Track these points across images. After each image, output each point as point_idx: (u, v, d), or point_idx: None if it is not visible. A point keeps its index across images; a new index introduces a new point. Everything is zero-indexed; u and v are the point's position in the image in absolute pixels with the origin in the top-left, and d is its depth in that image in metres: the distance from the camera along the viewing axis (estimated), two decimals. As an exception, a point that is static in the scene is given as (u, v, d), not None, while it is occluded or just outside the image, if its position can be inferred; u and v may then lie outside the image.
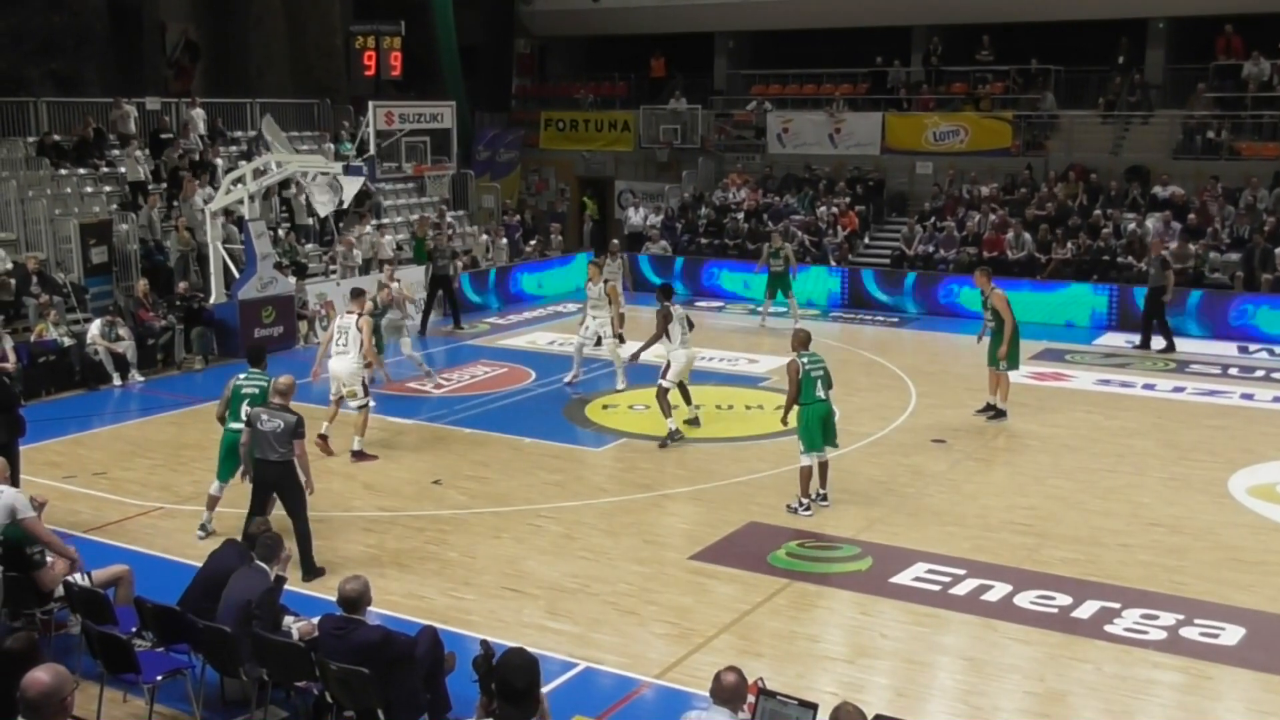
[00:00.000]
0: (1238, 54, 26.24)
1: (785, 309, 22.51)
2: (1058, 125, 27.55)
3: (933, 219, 25.96)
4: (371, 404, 14.08)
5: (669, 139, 30.75)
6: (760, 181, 29.06)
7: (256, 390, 11.03)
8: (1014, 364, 15.54)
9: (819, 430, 12.00)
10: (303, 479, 10.26)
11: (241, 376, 11.33)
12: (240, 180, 19.90)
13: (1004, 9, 28.19)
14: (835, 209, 26.90)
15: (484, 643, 6.68)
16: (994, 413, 15.67)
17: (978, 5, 28.35)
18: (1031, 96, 27.81)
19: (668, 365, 14.54)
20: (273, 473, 10.16)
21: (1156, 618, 9.57)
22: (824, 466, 12.26)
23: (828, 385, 12.12)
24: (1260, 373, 18.63)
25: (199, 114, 24.37)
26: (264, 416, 10.13)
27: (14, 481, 9.76)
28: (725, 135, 31.07)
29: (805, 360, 12.03)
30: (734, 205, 28.14)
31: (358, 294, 14.47)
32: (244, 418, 10.65)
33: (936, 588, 10.18)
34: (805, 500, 12.06)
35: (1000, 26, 28.83)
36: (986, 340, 15.70)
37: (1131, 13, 27.26)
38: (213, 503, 11.39)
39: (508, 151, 32.28)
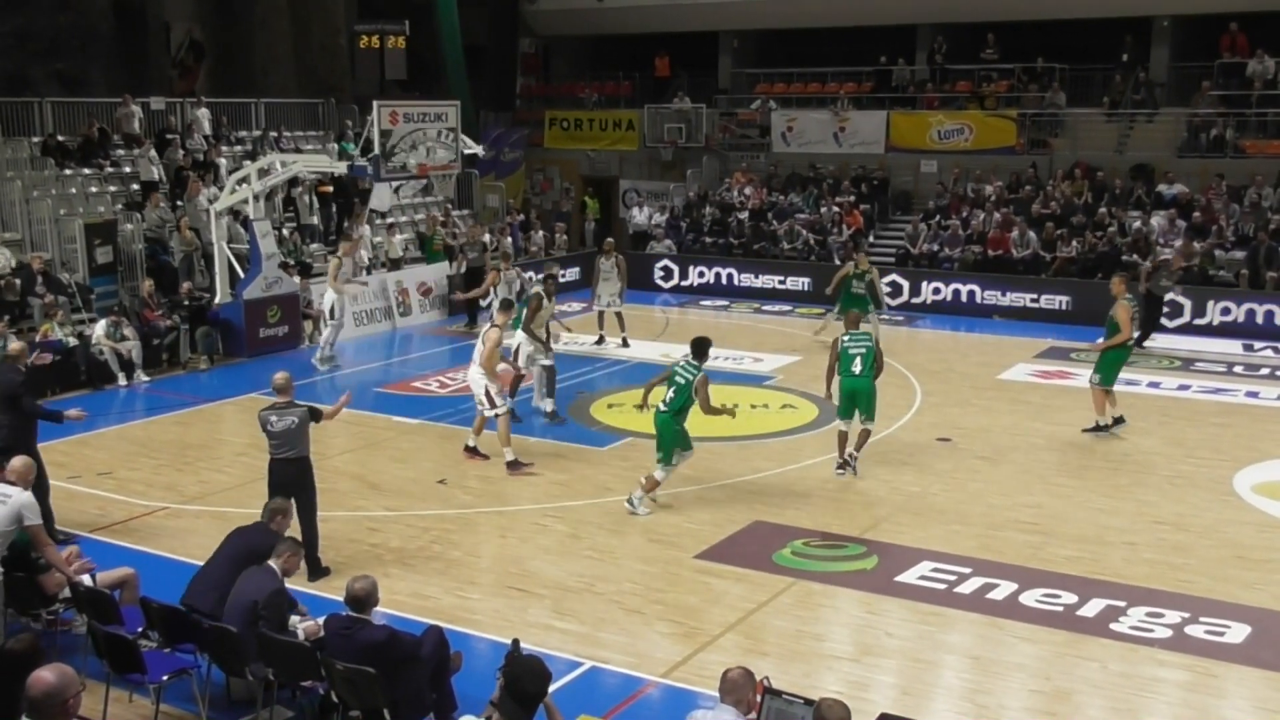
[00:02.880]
0: (1243, 52, 26.21)
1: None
2: (1062, 123, 27.51)
3: (937, 217, 25.95)
4: (499, 411, 13.43)
5: (673, 138, 30.74)
6: (765, 180, 29.05)
7: (684, 381, 11.71)
8: (1106, 380, 14.74)
9: (845, 401, 13.07)
10: (330, 409, 10.71)
11: (680, 363, 11.98)
12: (245, 180, 19.92)
13: (1009, 7, 28.15)
14: (839, 208, 26.88)
15: (515, 642, 7.16)
16: (1097, 428, 14.83)
17: (982, 4, 28.31)
18: (1037, 95, 27.78)
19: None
20: (290, 471, 10.12)
21: (1162, 615, 9.57)
22: (863, 435, 13.25)
23: (868, 364, 12.98)
24: (1265, 370, 18.61)
25: (204, 114, 24.41)
26: (272, 418, 10.11)
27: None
28: (730, 134, 31.06)
29: (847, 338, 13.13)
30: (739, 204, 28.13)
31: (505, 305, 14.47)
32: (665, 401, 11.72)
33: (942, 586, 10.18)
34: (840, 459, 13.23)
35: (1005, 25, 28.80)
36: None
37: (1136, 11, 27.22)
38: (651, 485, 11.98)
39: (512, 151, 32.28)
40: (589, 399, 16.61)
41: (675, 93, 31.54)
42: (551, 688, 6.50)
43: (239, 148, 24.73)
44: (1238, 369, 18.79)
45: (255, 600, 7.70)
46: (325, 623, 7.60)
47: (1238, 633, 9.30)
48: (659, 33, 32.87)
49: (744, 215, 27.59)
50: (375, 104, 18.11)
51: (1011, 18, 28.42)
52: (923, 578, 10.36)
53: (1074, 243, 23.69)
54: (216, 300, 19.74)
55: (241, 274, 19.84)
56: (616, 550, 11.13)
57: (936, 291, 24.03)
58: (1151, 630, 9.34)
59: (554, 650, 8.89)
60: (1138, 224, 23.68)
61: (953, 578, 10.32)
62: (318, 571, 10.20)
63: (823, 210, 27.02)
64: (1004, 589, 10.09)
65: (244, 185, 19.83)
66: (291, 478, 10.10)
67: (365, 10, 30.52)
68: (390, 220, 25.31)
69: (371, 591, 7.40)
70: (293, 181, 22.77)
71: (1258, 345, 20.51)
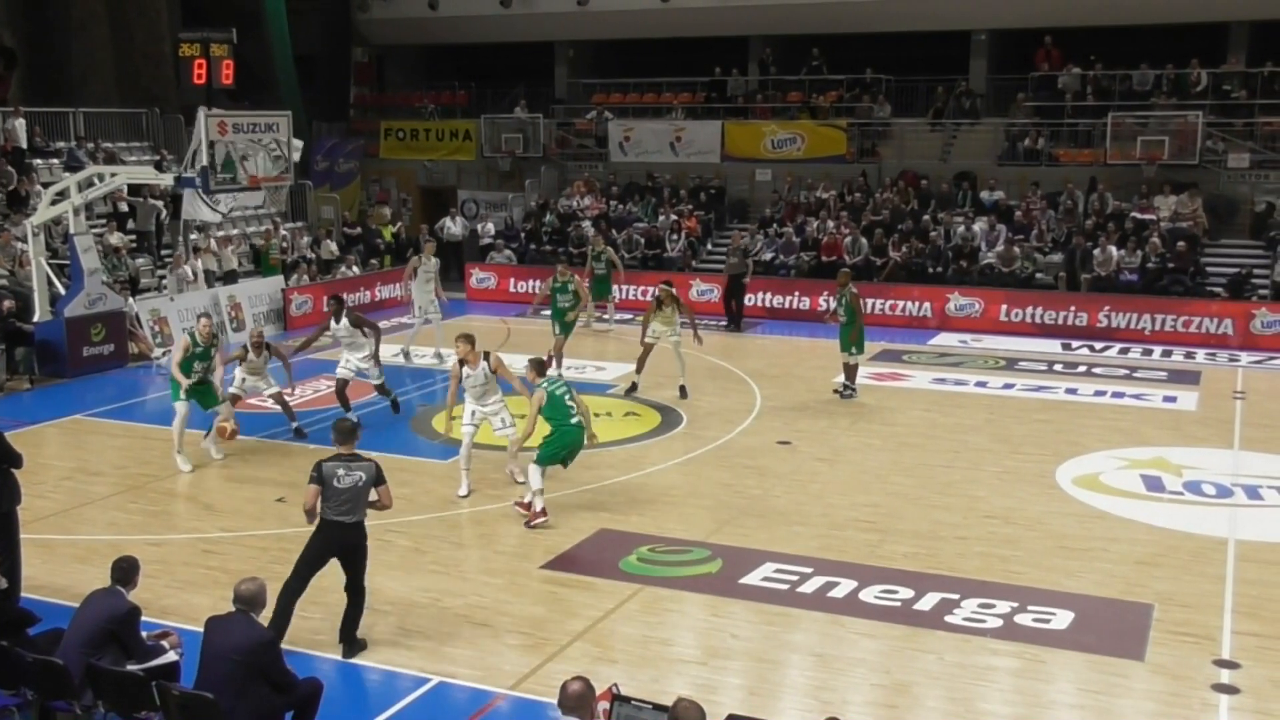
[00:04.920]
0: (1056, 64, 27.52)
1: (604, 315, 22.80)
2: (889, 132, 28.41)
3: (774, 225, 26.48)
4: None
5: (511, 148, 30.65)
6: (604, 190, 29.20)
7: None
8: (861, 350, 17.30)
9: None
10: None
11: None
12: (63, 193, 19.07)
13: (834, 20, 28.93)
14: (677, 216, 27.19)
15: None
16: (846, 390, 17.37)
17: (809, 16, 29.04)
18: (865, 105, 28.63)
19: None
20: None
21: (993, 606, 9.94)
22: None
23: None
24: (1082, 368, 19.54)
25: (19, 123, 23.33)
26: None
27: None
28: (567, 144, 31.11)
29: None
30: (580, 213, 28.20)
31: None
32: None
33: (785, 587, 10.38)
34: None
35: (832, 37, 29.60)
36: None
37: (953, 25, 28.29)
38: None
39: (347, 162, 31.69)
40: (430, 411, 16.42)
41: (514, 103, 31.45)
42: (397, 706, 6.41)
43: (54, 160, 23.74)
44: (1057, 367, 19.68)
45: (102, 623, 7.43)
46: (209, 618, 7.42)
47: (1062, 619, 9.73)
48: (494, 43, 32.75)
49: (585, 224, 27.65)
50: (202, 113, 17.58)
51: (837, 30, 29.22)
52: (766, 579, 10.55)
53: (903, 248, 24.48)
54: (35, 318, 18.83)
55: (62, 290, 19.01)
56: (462, 563, 11.04)
57: (773, 297, 24.49)
58: (984, 621, 9.69)
59: (400, 667, 8.79)
60: (961, 229, 24.62)
61: (795, 578, 10.53)
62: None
63: (660, 219, 27.30)
64: (844, 587, 10.34)
65: (62, 198, 18.98)
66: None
67: (190, 18, 29.58)
68: (222, 232, 24.62)
69: (259, 593, 7.33)
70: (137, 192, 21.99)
71: (1075, 344, 21.53)
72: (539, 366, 12.21)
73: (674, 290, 17.83)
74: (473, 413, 12.88)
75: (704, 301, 23.91)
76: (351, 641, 9.08)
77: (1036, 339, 21.88)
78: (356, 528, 8.94)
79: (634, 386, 17.40)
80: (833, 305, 18.08)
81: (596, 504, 12.56)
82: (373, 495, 8.98)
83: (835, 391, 17.43)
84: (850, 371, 17.36)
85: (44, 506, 12.41)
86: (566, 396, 11.89)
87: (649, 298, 23.56)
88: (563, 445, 11.83)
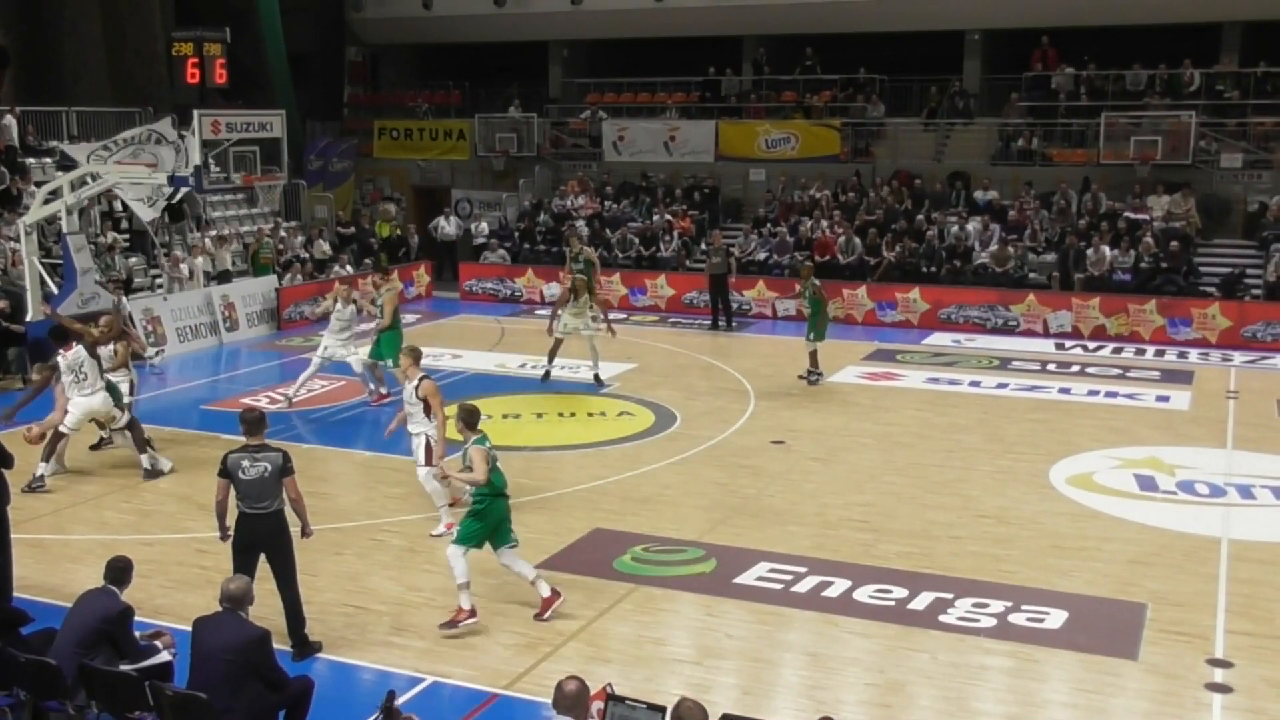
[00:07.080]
0: (1053, 65, 27.57)
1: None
2: (883, 132, 28.43)
3: (767, 225, 26.49)
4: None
5: (505, 147, 30.62)
6: (598, 190, 29.20)
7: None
8: (819, 337, 18.09)
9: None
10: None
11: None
12: (56, 192, 19.03)
13: (828, 20, 28.93)
14: (671, 216, 27.19)
15: (390, 693, 6.72)
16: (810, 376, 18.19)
17: (803, 16, 29.05)
18: (859, 105, 28.65)
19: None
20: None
21: (987, 606, 9.95)
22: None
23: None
24: (1075, 368, 19.56)
25: (11, 122, 23.28)
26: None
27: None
28: (561, 144, 31.10)
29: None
30: (574, 212, 28.18)
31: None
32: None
33: (779, 586, 10.38)
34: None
35: (826, 37, 29.62)
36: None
37: (947, 25, 28.31)
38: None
39: (341, 161, 31.66)
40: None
41: (508, 102, 31.43)
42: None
43: (48, 159, 23.68)
44: (1050, 367, 19.71)
45: (95, 624, 7.42)
46: (197, 619, 7.44)
47: (1056, 619, 9.73)
48: (488, 42, 32.74)
49: (579, 224, 27.62)
50: (196, 113, 17.57)
51: (832, 30, 29.23)
52: (760, 578, 10.55)
53: (897, 247, 24.50)
54: (28, 318, 18.78)
55: (55, 290, 18.97)
56: (456, 563, 11.01)
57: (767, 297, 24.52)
58: (977, 620, 9.69)
59: (394, 667, 8.79)
60: (955, 229, 24.65)
61: (789, 577, 10.53)
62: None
63: (654, 219, 27.30)
64: (838, 586, 10.34)
65: (55, 198, 18.96)
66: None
67: (183, 17, 29.54)
68: (215, 232, 24.57)
69: (247, 591, 7.37)
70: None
71: (1068, 344, 21.56)
72: (469, 418, 9.80)
73: (590, 281, 18.90)
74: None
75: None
76: (301, 643, 8.95)
77: (1030, 339, 21.90)
78: (272, 518, 8.80)
79: (547, 375, 18.04)
80: (799, 294, 18.88)
81: (590, 504, 12.56)
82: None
83: (800, 378, 18.10)
84: (812, 358, 18.04)
85: (36, 506, 12.40)
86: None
87: (648, 298, 23.74)
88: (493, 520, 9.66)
